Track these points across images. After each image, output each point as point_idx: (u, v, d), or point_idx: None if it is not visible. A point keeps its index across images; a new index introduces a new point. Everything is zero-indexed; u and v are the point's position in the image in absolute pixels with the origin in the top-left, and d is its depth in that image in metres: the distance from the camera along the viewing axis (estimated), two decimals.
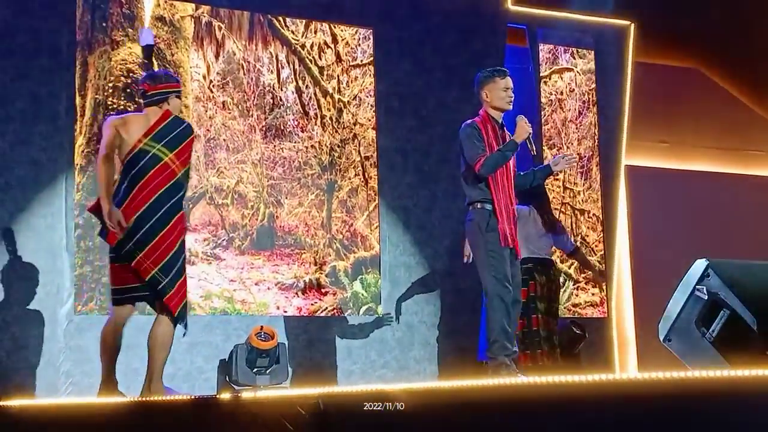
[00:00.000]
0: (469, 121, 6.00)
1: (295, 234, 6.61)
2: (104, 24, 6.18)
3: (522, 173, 6.15)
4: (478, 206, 5.88)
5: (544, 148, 9.40)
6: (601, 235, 9.43)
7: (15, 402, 5.54)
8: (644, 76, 9.76)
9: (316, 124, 6.75)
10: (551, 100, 9.49)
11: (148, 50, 5.52)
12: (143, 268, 5.16)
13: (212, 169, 6.48)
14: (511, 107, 6.02)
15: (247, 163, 6.50)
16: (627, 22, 9.77)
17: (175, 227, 5.18)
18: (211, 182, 6.45)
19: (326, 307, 7.13)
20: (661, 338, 4.60)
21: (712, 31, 10.28)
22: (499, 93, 5.98)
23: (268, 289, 6.43)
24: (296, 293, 6.69)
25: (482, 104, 6.05)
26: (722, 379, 2.91)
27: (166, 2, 6.41)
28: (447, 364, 8.08)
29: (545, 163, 6.19)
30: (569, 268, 9.32)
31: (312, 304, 7.38)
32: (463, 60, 8.84)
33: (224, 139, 6.47)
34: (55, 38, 7.38)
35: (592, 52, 9.74)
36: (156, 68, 5.82)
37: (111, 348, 5.51)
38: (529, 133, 5.89)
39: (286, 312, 7.15)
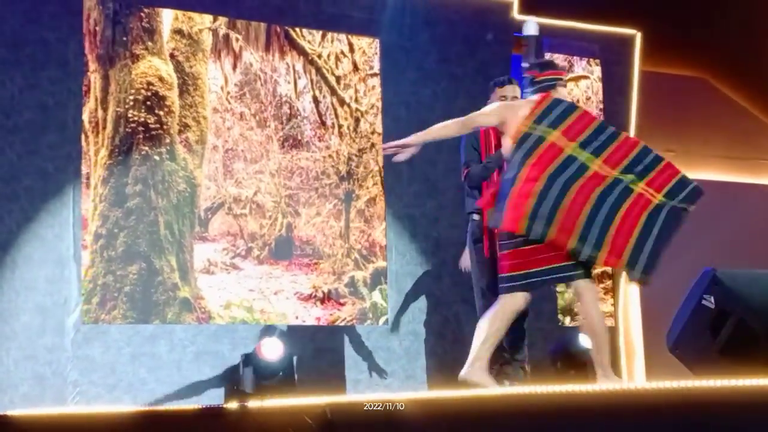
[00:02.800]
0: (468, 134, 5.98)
1: (313, 244, 6.63)
2: (125, 38, 6.25)
3: None
4: (474, 217, 5.88)
5: None
6: None
7: (22, 412, 5.54)
8: (651, 85, 9.76)
9: (333, 134, 6.78)
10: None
11: (532, 41, 5.52)
12: (559, 242, 4.98)
13: (230, 179, 6.53)
14: None
15: (264, 174, 6.55)
16: (634, 31, 9.77)
17: (576, 196, 5.01)
18: (229, 192, 6.50)
19: (345, 317, 7.11)
20: (669, 347, 4.59)
21: (720, 40, 10.27)
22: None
23: (287, 298, 6.47)
24: (315, 303, 6.70)
25: None
26: (730, 388, 2.90)
27: (184, 15, 6.46)
28: (455, 373, 8.06)
29: None
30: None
31: (330, 315, 7.38)
32: (470, 70, 8.84)
33: (242, 150, 6.51)
34: (63, 48, 7.40)
35: (599, 61, 9.75)
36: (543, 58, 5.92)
37: (495, 332, 5.20)
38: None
39: (305, 321, 7.05)
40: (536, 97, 5.34)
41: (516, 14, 9.21)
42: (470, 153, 5.85)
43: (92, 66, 6.42)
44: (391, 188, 8.41)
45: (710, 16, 9.86)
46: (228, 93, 6.55)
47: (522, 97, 5.66)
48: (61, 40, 7.40)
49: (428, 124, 5.99)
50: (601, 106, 9.67)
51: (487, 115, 5.35)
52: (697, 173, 10.61)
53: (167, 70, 6.44)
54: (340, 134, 6.81)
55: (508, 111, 5.31)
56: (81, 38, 7.40)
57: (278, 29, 6.90)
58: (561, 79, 5.44)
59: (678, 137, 10.54)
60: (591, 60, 9.70)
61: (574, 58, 9.62)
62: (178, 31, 6.46)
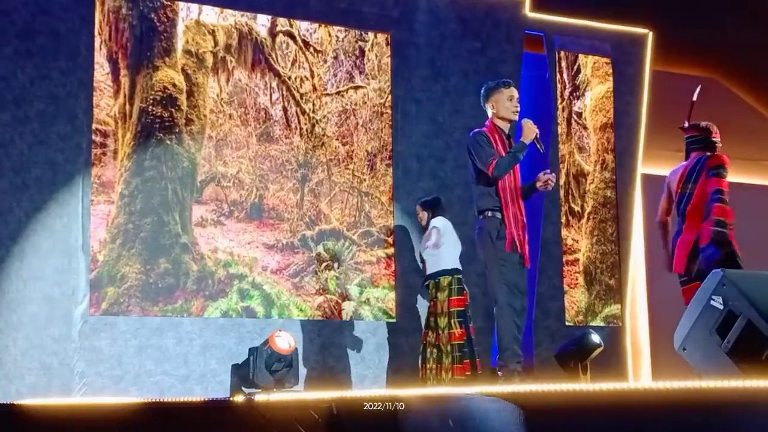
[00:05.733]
0: (477, 129, 6.13)
1: (277, 210, 8.25)
2: (148, 53, 7.90)
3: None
4: (489, 214, 5.94)
5: (582, 154, 9.46)
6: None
7: (28, 402, 5.55)
8: (661, 84, 9.73)
9: (295, 134, 8.43)
10: (587, 104, 9.54)
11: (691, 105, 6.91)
12: None
13: (220, 161, 8.08)
14: (516, 117, 6.12)
15: (245, 159, 8.20)
16: (645, 31, 9.74)
17: None
18: (219, 170, 8.07)
19: (297, 263, 8.21)
20: (676, 347, 4.58)
21: (731, 41, 10.25)
22: (504, 103, 6.11)
23: (257, 247, 8.14)
24: (276, 252, 8.17)
25: (488, 115, 6.12)
26: (737, 390, 2.90)
27: (193, 40, 8.06)
28: None
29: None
30: (609, 279, 9.34)
31: (287, 260, 8.19)
32: (480, 66, 8.84)
33: (230, 140, 8.17)
34: (74, 40, 7.42)
35: (610, 59, 9.73)
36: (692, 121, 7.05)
37: None
38: (536, 133, 6.02)
39: (268, 264, 8.11)
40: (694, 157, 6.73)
41: (527, 11, 9.20)
42: (488, 149, 5.99)
43: (123, 72, 7.78)
44: (400, 184, 8.42)
45: (721, 16, 9.83)
46: (221, 99, 8.21)
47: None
48: (72, 32, 7.42)
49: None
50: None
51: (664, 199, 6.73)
52: None
53: (179, 79, 8.00)
54: (300, 134, 8.44)
55: (670, 177, 6.80)
56: (92, 30, 7.51)
57: (260, 57, 8.36)
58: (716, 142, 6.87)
59: None
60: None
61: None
62: (188, 52, 8.07)
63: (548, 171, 6.19)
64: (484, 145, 5.98)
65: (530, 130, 6.00)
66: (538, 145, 6.07)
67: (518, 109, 6.12)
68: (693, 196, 6.54)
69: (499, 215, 5.91)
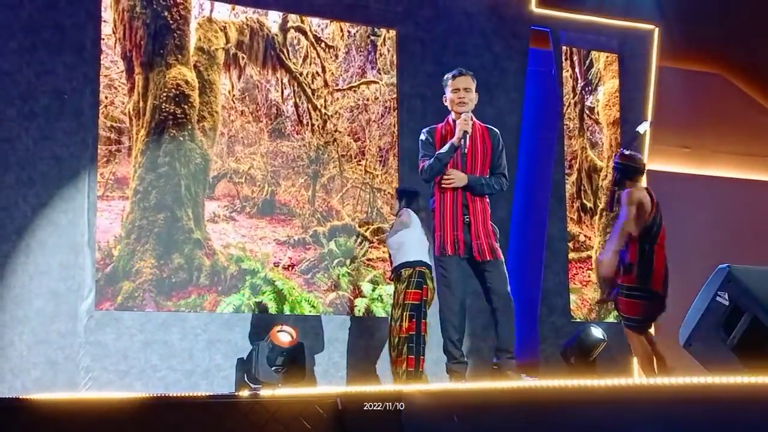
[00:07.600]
0: (426, 128, 5.89)
1: (288, 206, 8.28)
2: (162, 51, 7.95)
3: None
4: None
5: (594, 150, 9.47)
6: None
7: (34, 396, 5.55)
8: (667, 80, 9.72)
9: (307, 130, 8.45)
10: (599, 99, 9.56)
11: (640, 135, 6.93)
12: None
13: (232, 157, 8.13)
14: (462, 108, 5.73)
15: (256, 155, 8.23)
16: (652, 27, 9.72)
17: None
18: (231, 166, 8.12)
19: (310, 258, 8.28)
20: (682, 343, 4.58)
21: (737, 37, 10.22)
22: (450, 96, 5.80)
23: (268, 243, 8.20)
24: (288, 248, 8.21)
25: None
26: (742, 385, 2.89)
27: (204, 37, 8.09)
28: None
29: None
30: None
31: (298, 256, 8.22)
32: (486, 62, 8.83)
33: (241, 137, 8.19)
34: (79, 34, 7.42)
35: (617, 55, 9.71)
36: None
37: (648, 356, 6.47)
38: (465, 132, 5.64)
39: (280, 260, 8.14)
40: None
41: (533, 7, 9.18)
42: (425, 149, 5.80)
43: (137, 69, 7.87)
44: (406, 179, 8.42)
45: (727, 13, 9.80)
46: (233, 96, 8.22)
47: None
48: (77, 26, 7.42)
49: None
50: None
51: (630, 210, 6.33)
52: (711, 170, 10.60)
53: (191, 76, 8.05)
54: (312, 130, 8.44)
55: (641, 193, 6.43)
56: (98, 24, 7.53)
57: (272, 52, 8.35)
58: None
59: (693, 134, 10.50)
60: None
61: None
62: (200, 49, 8.13)
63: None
64: (423, 145, 5.79)
65: (458, 128, 5.64)
66: (461, 144, 5.65)
67: (464, 99, 5.73)
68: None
69: (434, 217, 5.75)
